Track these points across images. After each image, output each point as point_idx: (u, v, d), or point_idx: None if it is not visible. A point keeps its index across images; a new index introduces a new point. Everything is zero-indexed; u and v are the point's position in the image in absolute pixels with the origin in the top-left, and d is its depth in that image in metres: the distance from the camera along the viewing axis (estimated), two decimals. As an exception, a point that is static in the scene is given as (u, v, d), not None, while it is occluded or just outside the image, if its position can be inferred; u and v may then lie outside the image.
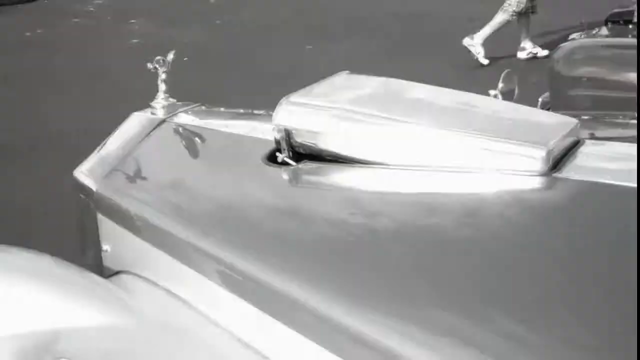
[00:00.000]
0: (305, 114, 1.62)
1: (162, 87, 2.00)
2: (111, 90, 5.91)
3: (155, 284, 1.64)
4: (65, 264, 1.69)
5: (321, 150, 1.63)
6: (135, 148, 1.87)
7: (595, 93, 3.71)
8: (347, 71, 1.84)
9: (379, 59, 6.37)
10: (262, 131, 1.79)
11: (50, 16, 8.81)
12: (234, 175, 1.69)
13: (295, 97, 1.66)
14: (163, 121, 1.94)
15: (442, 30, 7.39)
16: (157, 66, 1.96)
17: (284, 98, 1.67)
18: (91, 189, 1.80)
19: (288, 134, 1.63)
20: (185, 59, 7.87)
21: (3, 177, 4.51)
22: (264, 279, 1.34)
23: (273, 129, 1.65)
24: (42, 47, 7.37)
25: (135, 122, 1.98)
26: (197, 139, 1.89)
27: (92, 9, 9.29)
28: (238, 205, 1.60)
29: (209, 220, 1.57)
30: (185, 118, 1.97)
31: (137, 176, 1.81)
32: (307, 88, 1.72)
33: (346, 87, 1.73)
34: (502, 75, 1.78)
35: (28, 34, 8.00)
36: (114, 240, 1.77)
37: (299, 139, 1.63)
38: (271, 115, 1.73)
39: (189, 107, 2.03)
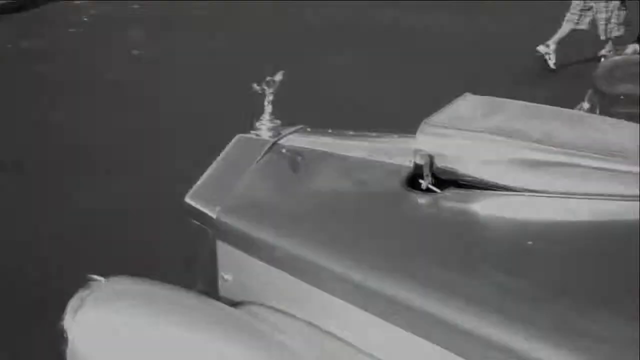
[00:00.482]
0: (449, 138, 1.58)
1: (268, 108, 1.94)
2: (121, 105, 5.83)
3: (292, 315, 1.58)
4: (201, 297, 1.64)
5: (464, 176, 1.59)
6: (251, 172, 1.81)
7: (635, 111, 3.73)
8: (469, 93, 1.81)
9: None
10: (387, 154, 1.75)
11: (46, 26, 8.66)
12: (372, 201, 1.63)
13: (436, 122, 1.62)
14: (274, 144, 1.88)
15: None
16: (265, 87, 1.91)
17: (424, 122, 1.62)
18: (210, 216, 1.73)
19: (431, 159, 1.58)
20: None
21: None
22: (417, 305, 1.34)
23: (415, 153, 1.60)
24: (42, 59, 7.23)
25: (243, 144, 1.91)
26: (316, 162, 1.83)
27: (86, 19, 9.14)
28: (382, 231, 1.55)
29: (352, 247, 1.52)
30: (296, 140, 1.91)
31: (260, 201, 1.75)
32: (441, 112, 1.68)
33: (481, 110, 1.69)
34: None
35: (26, 44, 7.85)
36: (237, 268, 1.71)
37: (441, 164, 1.59)
38: (389, 137, 1.68)
39: (294, 128, 1.97)
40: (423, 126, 1.60)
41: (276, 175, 1.82)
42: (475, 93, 1.82)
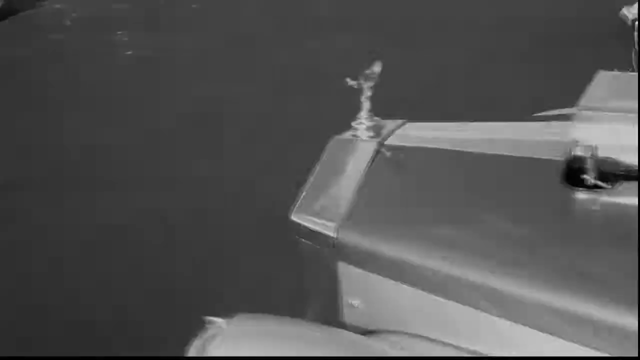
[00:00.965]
0: (614, 124, 1.37)
1: (366, 104, 1.72)
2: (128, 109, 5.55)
3: (444, 342, 1.38)
4: (332, 330, 1.43)
5: (628, 167, 1.38)
6: (363, 179, 1.58)
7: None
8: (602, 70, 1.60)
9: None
10: (520, 147, 1.54)
11: (28, 33, 8.32)
12: (530, 204, 1.42)
13: (591, 106, 1.41)
14: (381, 145, 1.66)
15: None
16: (362, 81, 1.68)
17: (577, 109, 1.41)
18: (327, 235, 1.51)
19: (593, 151, 1.37)
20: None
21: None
22: (618, 325, 1.18)
23: (572, 145, 1.39)
24: (32, 67, 6.92)
25: (343, 148, 1.69)
26: (439, 162, 1.61)
27: (69, 22, 8.79)
28: (553, 239, 1.33)
29: (522, 261, 1.31)
30: (403, 138, 1.69)
31: (385, 213, 1.53)
32: (586, 96, 1.46)
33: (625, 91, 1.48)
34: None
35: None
36: (367, 292, 1.50)
37: (603, 154, 1.38)
38: (517, 128, 1.47)
39: (394, 124, 1.75)
40: (580, 113, 1.39)
41: (395, 181, 1.60)
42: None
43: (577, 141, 1.39)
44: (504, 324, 1.30)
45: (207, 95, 5.50)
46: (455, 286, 1.34)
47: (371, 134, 1.71)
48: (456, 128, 1.73)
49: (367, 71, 1.69)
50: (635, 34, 4.15)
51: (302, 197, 1.61)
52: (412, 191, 1.57)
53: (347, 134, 1.73)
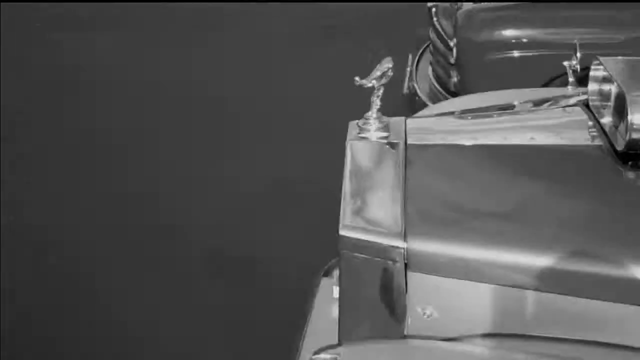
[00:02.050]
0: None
1: (376, 104, 1.64)
2: None
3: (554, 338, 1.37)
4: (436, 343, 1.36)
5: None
6: (409, 183, 1.51)
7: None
8: None
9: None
10: (550, 132, 1.58)
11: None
12: (600, 190, 1.45)
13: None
14: (407, 146, 1.60)
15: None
16: (374, 81, 1.60)
17: (632, 94, 1.47)
18: (393, 246, 1.42)
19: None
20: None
21: None
22: None
23: (631, 128, 1.45)
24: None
25: (369, 152, 1.60)
26: (476, 158, 1.59)
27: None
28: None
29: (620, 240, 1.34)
30: (420, 137, 1.64)
31: (448, 216, 1.47)
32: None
33: None
34: None
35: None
36: (443, 299, 1.43)
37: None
38: (536, 114, 1.51)
39: (400, 123, 1.69)
40: (635, 98, 1.45)
41: (439, 181, 1.55)
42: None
43: (633, 124, 1.45)
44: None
45: None
46: (565, 279, 1.33)
47: (384, 134, 1.64)
48: (468, 119, 1.73)
49: (380, 69, 1.61)
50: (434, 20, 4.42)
51: (345, 210, 1.49)
52: (462, 189, 1.53)
53: (355, 133, 1.65)
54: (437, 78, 4.35)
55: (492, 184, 1.53)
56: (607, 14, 3.89)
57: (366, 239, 1.45)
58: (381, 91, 1.62)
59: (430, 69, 4.42)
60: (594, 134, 1.64)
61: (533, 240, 1.38)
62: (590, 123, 1.70)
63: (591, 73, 1.76)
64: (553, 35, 3.83)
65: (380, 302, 1.49)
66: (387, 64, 1.61)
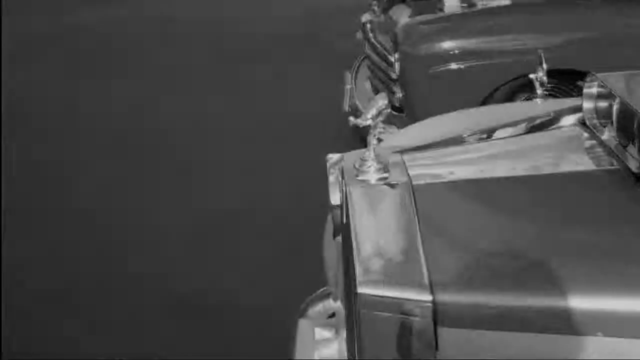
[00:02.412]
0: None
1: (373, 142, 1.53)
2: None
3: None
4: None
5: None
6: (424, 229, 1.39)
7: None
8: None
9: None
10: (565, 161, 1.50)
11: None
12: (622, 218, 1.37)
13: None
14: (411, 184, 1.48)
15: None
16: (370, 118, 1.49)
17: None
18: (423, 301, 1.30)
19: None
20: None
21: None
22: None
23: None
24: None
25: (375, 197, 1.48)
26: (490, 192, 1.48)
27: None
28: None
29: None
30: (423, 175, 1.53)
31: (473, 262, 1.36)
32: None
33: None
34: None
35: None
36: (476, 355, 1.32)
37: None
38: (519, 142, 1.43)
39: (398, 161, 1.58)
40: None
41: (454, 224, 1.44)
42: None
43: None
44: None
45: None
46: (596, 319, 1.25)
47: (385, 174, 1.52)
48: (455, 153, 1.63)
49: (375, 106, 1.49)
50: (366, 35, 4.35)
51: (360, 264, 1.36)
52: (481, 229, 1.42)
53: (352, 174, 1.53)
54: (378, 94, 4.29)
55: (510, 219, 1.44)
56: (548, 19, 3.90)
57: (390, 295, 1.32)
58: (378, 130, 1.51)
59: (368, 85, 4.35)
60: (601, 155, 1.57)
61: (566, 280, 1.29)
62: (590, 143, 1.64)
63: (585, 90, 1.69)
64: (495, 44, 3.81)
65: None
66: (382, 101, 1.50)
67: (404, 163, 1.57)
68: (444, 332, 1.32)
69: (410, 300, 1.31)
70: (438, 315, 1.30)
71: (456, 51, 3.75)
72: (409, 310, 1.31)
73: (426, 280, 1.32)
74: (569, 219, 1.41)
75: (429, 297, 1.30)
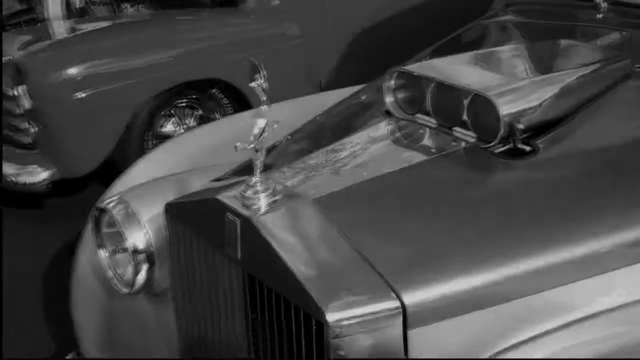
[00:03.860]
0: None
1: (260, 166, 1.41)
2: None
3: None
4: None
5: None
6: (350, 238, 1.34)
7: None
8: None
9: None
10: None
11: None
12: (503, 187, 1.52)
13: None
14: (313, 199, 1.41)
15: None
16: (255, 142, 1.39)
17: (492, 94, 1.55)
18: (388, 308, 1.26)
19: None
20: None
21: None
22: None
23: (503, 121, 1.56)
24: None
25: (284, 220, 1.38)
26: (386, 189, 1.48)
27: None
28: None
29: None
30: (317, 189, 1.47)
31: (414, 253, 1.36)
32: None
33: None
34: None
35: None
36: (443, 342, 1.33)
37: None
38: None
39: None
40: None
41: (380, 223, 1.42)
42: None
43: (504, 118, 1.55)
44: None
45: None
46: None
47: (277, 197, 1.42)
48: (318, 166, 1.60)
49: (258, 126, 1.38)
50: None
51: (313, 293, 1.26)
52: (403, 222, 1.42)
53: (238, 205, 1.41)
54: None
55: (420, 206, 1.48)
56: (167, 35, 3.89)
57: (360, 313, 1.25)
58: (263, 152, 1.40)
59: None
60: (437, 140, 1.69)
61: (505, 248, 1.39)
62: (411, 131, 1.74)
63: (387, 83, 1.78)
64: (128, 61, 3.70)
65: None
66: (263, 120, 1.39)
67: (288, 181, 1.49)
68: (413, 333, 1.31)
69: (381, 309, 1.27)
70: (411, 316, 1.29)
71: (92, 72, 3.53)
72: (376, 324, 1.27)
73: (387, 286, 1.29)
74: (467, 196, 1.51)
75: (396, 303, 1.28)
